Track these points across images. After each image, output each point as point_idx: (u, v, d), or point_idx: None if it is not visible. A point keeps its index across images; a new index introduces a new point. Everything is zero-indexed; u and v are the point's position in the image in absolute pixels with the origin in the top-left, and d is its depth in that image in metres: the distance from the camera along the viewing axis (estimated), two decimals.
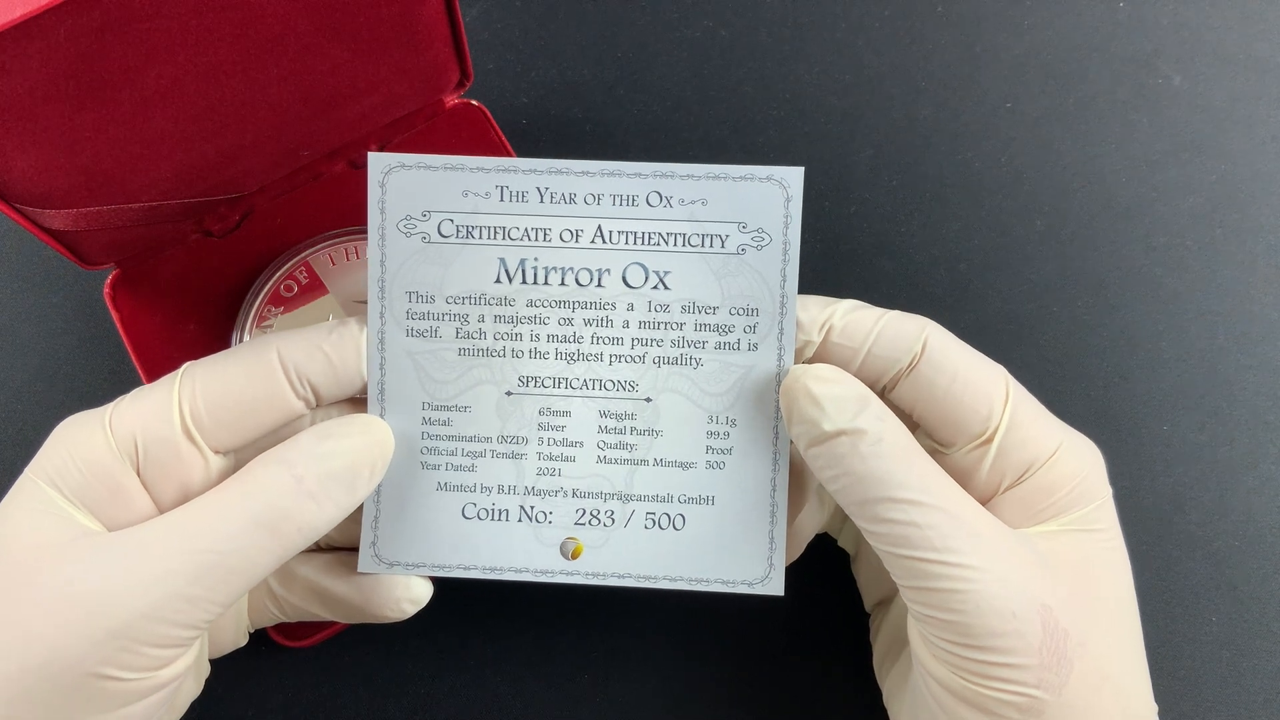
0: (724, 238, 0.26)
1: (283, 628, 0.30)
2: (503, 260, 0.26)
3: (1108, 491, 0.26)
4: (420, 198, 0.26)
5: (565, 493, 0.26)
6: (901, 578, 0.24)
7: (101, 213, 0.27)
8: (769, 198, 0.26)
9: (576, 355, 0.26)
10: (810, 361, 0.26)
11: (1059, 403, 0.35)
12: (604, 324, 0.26)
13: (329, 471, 0.24)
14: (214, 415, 0.24)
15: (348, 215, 0.34)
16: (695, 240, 0.26)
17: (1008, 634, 0.23)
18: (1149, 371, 0.35)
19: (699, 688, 0.31)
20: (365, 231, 0.33)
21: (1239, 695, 0.32)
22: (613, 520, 0.26)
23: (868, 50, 0.38)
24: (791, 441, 0.26)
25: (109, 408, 0.24)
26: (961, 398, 0.25)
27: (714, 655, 0.32)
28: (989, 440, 0.25)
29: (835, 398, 0.24)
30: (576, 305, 0.26)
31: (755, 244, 0.26)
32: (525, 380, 0.26)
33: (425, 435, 0.26)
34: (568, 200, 0.26)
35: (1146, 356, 0.35)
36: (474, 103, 0.35)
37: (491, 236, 0.26)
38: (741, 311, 0.26)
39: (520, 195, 0.26)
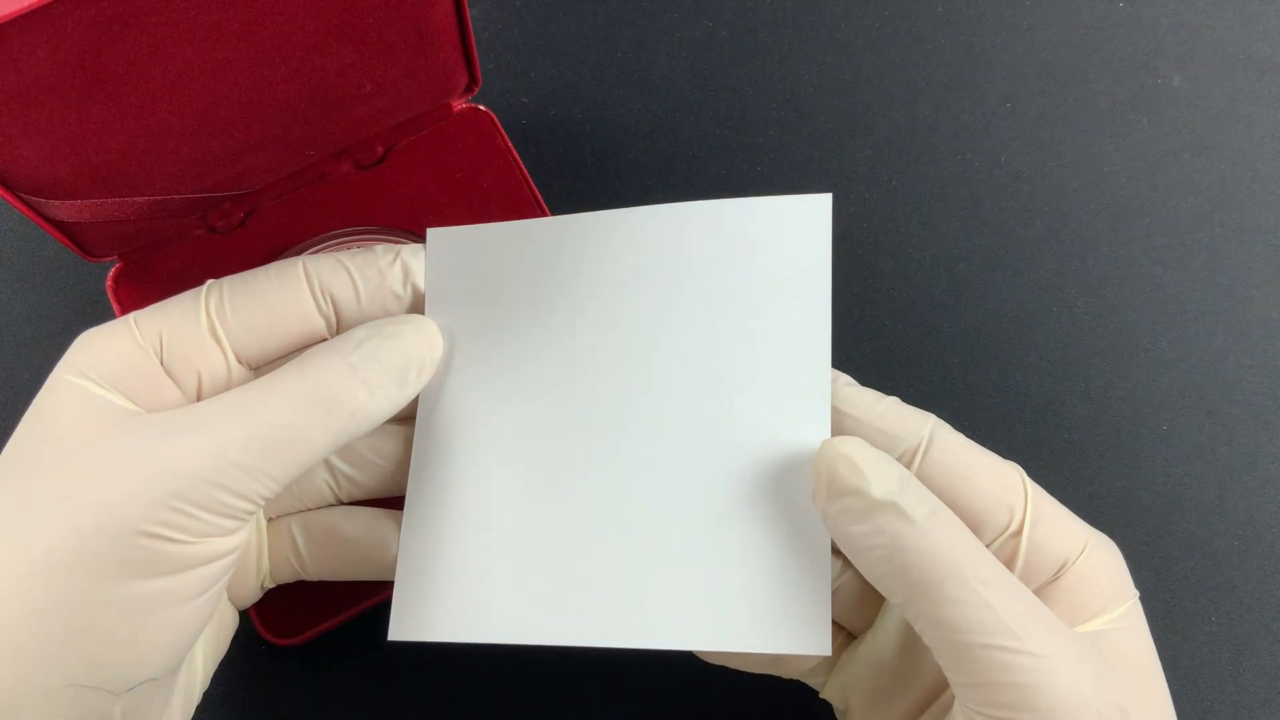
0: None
1: (272, 625, 0.30)
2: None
3: (1134, 590, 0.24)
4: None
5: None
6: (969, 674, 0.21)
7: (106, 204, 0.28)
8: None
9: None
10: None
11: (1059, 403, 0.35)
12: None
13: (381, 362, 0.24)
14: (239, 319, 0.24)
15: (352, 216, 0.34)
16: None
17: None
18: (1149, 371, 0.35)
19: (704, 683, 0.31)
20: (368, 232, 0.34)
21: (1239, 695, 0.32)
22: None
23: (868, 50, 0.38)
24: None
25: (130, 315, 0.25)
26: (982, 486, 0.23)
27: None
28: (1018, 533, 0.23)
29: (874, 462, 0.22)
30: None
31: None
32: None
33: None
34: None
35: (1146, 356, 0.35)
36: (481, 108, 0.35)
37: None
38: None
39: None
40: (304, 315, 0.25)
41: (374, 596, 0.30)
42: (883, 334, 0.35)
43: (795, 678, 0.27)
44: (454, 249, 0.27)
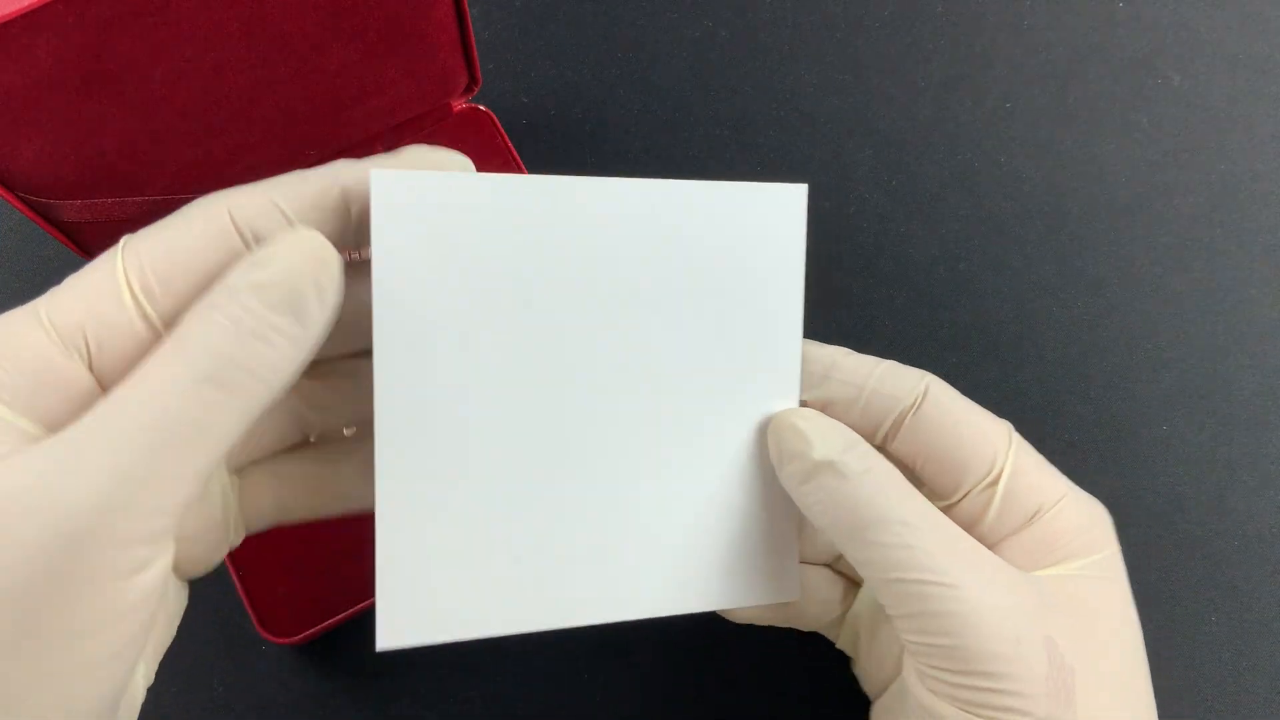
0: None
1: (272, 625, 0.30)
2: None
3: (1117, 547, 0.25)
4: None
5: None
6: (895, 606, 0.23)
7: (106, 205, 0.28)
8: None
9: None
10: (814, 398, 0.26)
11: (1059, 403, 0.35)
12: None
13: (269, 302, 0.19)
14: (169, 290, 0.20)
15: None
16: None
17: (1010, 658, 0.22)
18: (1149, 371, 0.35)
19: (705, 681, 0.31)
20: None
21: (1239, 695, 0.32)
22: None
23: (868, 50, 0.38)
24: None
25: (39, 301, 0.21)
26: (966, 438, 0.25)
27: (719, 633, 0.32)
28: (994, 482, 0.25)
29: (821, 429, 0.24)
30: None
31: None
32: None
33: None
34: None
35: (1146, 356, 0.35)
36: (482, 108, 0.35)
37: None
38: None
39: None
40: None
41: (374, 595, 0.30)
42: (883, 334, 0.35)
43: (814, 630, 0.29)
44: (405, 196, 0.24)
